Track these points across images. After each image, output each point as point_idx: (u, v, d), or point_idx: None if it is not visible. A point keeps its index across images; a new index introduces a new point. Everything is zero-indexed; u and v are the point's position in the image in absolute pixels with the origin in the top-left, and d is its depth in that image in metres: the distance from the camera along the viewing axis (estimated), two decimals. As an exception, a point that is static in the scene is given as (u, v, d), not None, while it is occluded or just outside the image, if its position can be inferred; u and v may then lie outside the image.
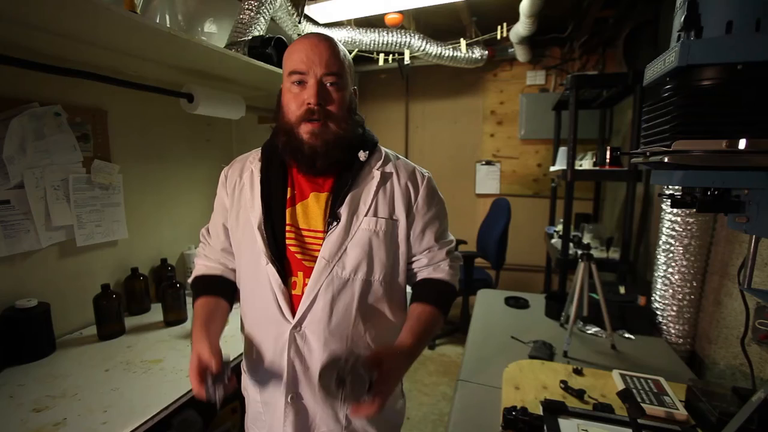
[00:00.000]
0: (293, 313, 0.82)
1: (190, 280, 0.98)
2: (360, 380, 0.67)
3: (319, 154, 0.80)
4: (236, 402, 1.63)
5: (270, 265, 0.82)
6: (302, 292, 0.83)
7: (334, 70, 0.79)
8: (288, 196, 0.86)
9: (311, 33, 0.83)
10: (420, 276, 0.94)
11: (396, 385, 0.77)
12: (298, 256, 0.84)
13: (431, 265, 0.93)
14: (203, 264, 0.98)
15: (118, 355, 1.27)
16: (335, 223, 0.83)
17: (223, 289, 0.94)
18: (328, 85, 0.80)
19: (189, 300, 1.57)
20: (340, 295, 0.83)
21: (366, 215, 0.84)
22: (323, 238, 0.83)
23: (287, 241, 0.84)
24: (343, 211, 0.83)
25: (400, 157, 0.95)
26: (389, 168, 0.90)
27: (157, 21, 1.57)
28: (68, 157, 1.38)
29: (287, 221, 0.85)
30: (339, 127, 0.81)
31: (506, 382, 1.16)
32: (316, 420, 0.86)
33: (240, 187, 0.91)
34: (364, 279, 0.84)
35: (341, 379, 0.67)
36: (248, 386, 0.93)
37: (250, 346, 0.91)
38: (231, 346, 1.32)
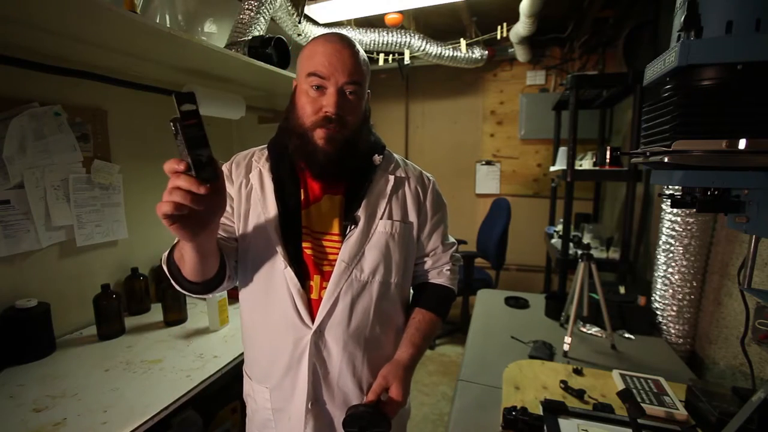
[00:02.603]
0: (312, 318, 0.81)
1: (165, 254, 0.79)
2: (379, 423, 0.74)
3: (332, 160, 0.79)
4: (236, 402, 1.63)
5: (289, 268, 0.81)
6: (320, 296, 0.82)
7: (356, 78, 0.77)
8: (301, 198, 0.85)
9: (334, 35, 0.80)
10: (423, 279, 0.96)
11: (408, 394, 0.81)
12: (314, 259, 0.83)
13: (435, 268, 0.95)
14: None
15: (118, 355, 1.27)
16: (353, 226, 0.82)
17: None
18: (347, 93, 0.78)
19: (189, 300, 1.58)
20: (359, 298, 0.83)
21: (382, 218, 0.85)
22: (339, 241, 0.83)
23: (303, 244, 0.83)
24: (361, 214, 0.83)
25: (408, 161, 0.96)
26: (401, 172, 0.91)
27: (157, 21, 1.57)
28: (68, 157, 1.38)
29: (302, 223, 0.84)
30: (353, 135, 0.80)
31: (506, 382, 1.16)
32: (335, 424, 0.86)
33: (248, 188, 0.87)
34: (382, 281, 0.84)
35: (363, 428, 0.74)
36: (255, 393, 0.90)
37: (259, 352, 0.88)
38: (230, 346, 1.33)
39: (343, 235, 0.83)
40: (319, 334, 0.82)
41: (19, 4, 0.91)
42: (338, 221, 0.84)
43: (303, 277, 0.82)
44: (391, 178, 0.88)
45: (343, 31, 2.83)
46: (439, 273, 0.95)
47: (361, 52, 0.81)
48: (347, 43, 0.79)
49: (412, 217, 0.89)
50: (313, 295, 0.83)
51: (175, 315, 1.51)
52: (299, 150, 0.81)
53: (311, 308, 0.82)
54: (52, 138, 1.33)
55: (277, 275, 0.82)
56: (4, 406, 0.99)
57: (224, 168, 0.91)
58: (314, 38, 0.81)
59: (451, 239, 0.98)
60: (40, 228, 1.31)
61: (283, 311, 0.82)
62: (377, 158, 0.88)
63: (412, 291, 0.98)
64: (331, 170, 0.81)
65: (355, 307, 0.82)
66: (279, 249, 0.81)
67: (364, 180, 0.85)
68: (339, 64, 0.76)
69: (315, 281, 0.83)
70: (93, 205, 1.47)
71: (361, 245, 0.83)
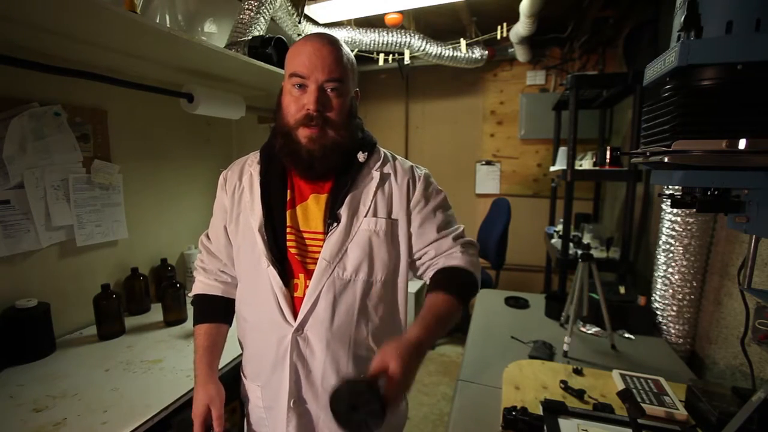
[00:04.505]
0: (295, 316, 0.82)
1: (191, 294, 1.01)
2: (371, 403, 0.61)
3: (317, 158, 0.80)
4: (236, 402, 1.63)
5: (271, 267, 0.82)
6: (304, 294, 0.82)
7: (336, 75, 0.78)
8: (288, 198, 0.86)
9: (315, 34, 0.81)
10: (435, 267, 0.89)
11: (412, 379, 0.69)
12: (299, 258, 0.83)
13: (442, 255, 0.88)
14: (202, 280, 0.99)
15: (118, 355, 1.27)
16: (335, 224, 0.82)
17: (223, 313, 0.97)
18: (328, 90, 0.79)
19: (189, 300, 1.58)
20: (342, 296, 0.82)
21: (366, 215, 0.84)
22: (323, 240, 0.83)
23: (287, 243, 0.84)
24: (343, 211, 0.83)
25: (398, 157, 0.95)
26: (388, 168, 0.89)
27: (157, 21, 1.57)
28: (68, 157, 1.38)
29: (287, 223, 0.84)
30: (337, 133, 0.80)
31: (506, 382, 1.16)
32: (319, 424, 0.85)
33: (240, 191, 0.90)
34: (366, 280, 0.84)
35: (353, 406, 0.62)
36: (249, 392, 0.92)
37: (251, 350, 0.90)
38: (230, 346, 1.32)
39: (326, 233, 0.83)
40: (300, 332, 0.82)
41: (19, 4, 0.91)
42: (323, 220, 0.84)
43: (288, 275, 0.83)
44: (377, 174, 0.87)
45: (343, 31, 2.83)
46: (449, 257, 0.88)
47: (344, 50, 0.81)
48: (327, 41, 0.79)
49: (399, 213, 0.87)
50: (298, 294, 0.83)
51: (175, 315, 1.51)
52: (284, 149, 0.82)
53: (294, 306, 0.83)
54: (52, 138, 1.33)
55: (261, 274, 0.83)
56: (4, 406, 0.99)
57: (221, 177, 0.95)
58: (298, 39, 0.82)
59: (455, 225, 0.92)
60: (40, 228, 1.31)
61: (268, 309, 0.83)
62: (361, 155, 0.87)
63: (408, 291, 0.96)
64: (317, 168, 0.82)
65: (337, 305, 0.82)
66: (263, 249, 0.83)
67: (347, 178, 0.85)
68: (318, 62, 0.77)
69: (300, 279, 0.83)
70: (93, 205, 1.47)
71: (342, 243, 0.82)
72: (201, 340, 0.93)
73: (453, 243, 0.89)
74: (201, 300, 0.98)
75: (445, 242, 0.89)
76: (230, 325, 0.99)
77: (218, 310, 0.97)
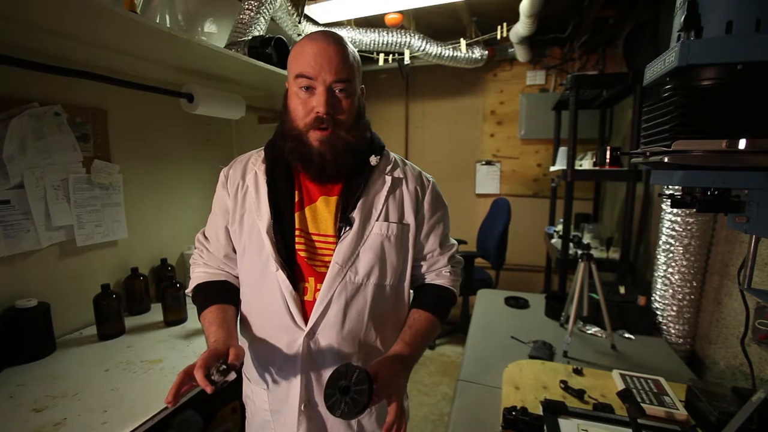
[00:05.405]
0: (305, 320, 0.81)
1: (189, 290, 0.93)
2: (361, 391, 0.66)
3: (329, 161, 0.79)
4: (236, 402, 1.63)
5: (280, 271, 0.80)
6: (314, 298, 0.81)
7: (344, 76, 0.76)
8: (296, 199, 0.84)
9: (319, 33, 0.79)
10: (421, 281, 0.95)
11: (402, 392, 0.76)
12: (308, 261, 0.82)
13: (432, 271, 0.93)
14: (203, 271, 0.93)
15: (118, 355, 1.27)
16: (348, 228, 0.81)
17: (231, 297, 0.90)
18: (337, 92, 0.77)
19: (189, 300, 1.58)
20: (353, 300, 0.82)
21: (378, 220, 0.84)
22: (334, 243, 0.82)
23: (296, 246, 0.82)
24: (356, 215, 0.82)
25: (407, 161, 0.95)
26: (398, 173, 0.89)
27: (157, 21, 1.57)
28: (68, 157, 1.38)
29: (296, 225, 0.83)
30: (348, 134, 0.79)
31: (506, 382, 1.16)
32: (328, 426, 0.85)
33: (243, 190, 0.88)
34: (377, 284, 0.84)
35: (346, 388, 0.67)
36: (253, 395, 0.91)
37: (257, 354, 0.88)
38: (231, 346, 1.32)
39: (338, 237, 0.82)
40: (312, 336, 0.81)
41: (19, 4, 0.91)
42: (333, 223, 0.83)
43: (297, 279, 0.82)
44: (388, 178, 0.87)
45: (343, 31, 2.83)
46: (438, 275, 0.93)
47: (349, 48, 0.79)
48: (333, 39, 0.77)
49: (410, 218, 0.87)
50: (308, 297, 0.82)
51: (175, 315, 1.51)
52: (294, 152, 0.81)
53: (305, 310, 0.82)
54: (52, 138, 1.33)
55: (270, 278, 0.82)
56: (4, 406, 0.99)
57: (221, 175, 0.92)
58: (301, 38, 0.80)
59: (452, 241, 0.97)
60: (40, 228, 1.31)
61: (276, 313, 0.82)
62: (374, 159, 0.86)
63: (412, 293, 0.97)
64: (329, 171, 0.80)
65: (349, 309, 0.82)
66: (271, 252, 0.81)
67: (360, 181, 0.84)
68: (325, 62, 0.75)
69: (310, 283, 0.82)
70: (93, 205, 1.47)
71: (355, 247, 0.82)
72: (210, 320, 0.82)
73: (446, 262, 0.93)
74: (205, 286, 0.90)
75: (441, 259, 0.93)
76: (238, 312, 0.91)
77: (226, 292, 0.89)
